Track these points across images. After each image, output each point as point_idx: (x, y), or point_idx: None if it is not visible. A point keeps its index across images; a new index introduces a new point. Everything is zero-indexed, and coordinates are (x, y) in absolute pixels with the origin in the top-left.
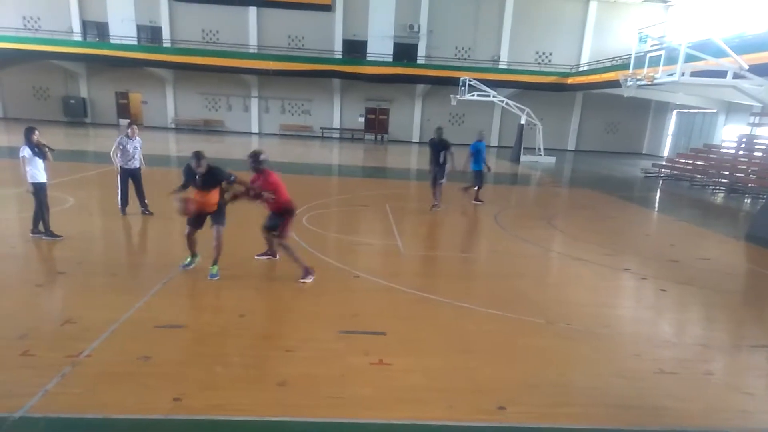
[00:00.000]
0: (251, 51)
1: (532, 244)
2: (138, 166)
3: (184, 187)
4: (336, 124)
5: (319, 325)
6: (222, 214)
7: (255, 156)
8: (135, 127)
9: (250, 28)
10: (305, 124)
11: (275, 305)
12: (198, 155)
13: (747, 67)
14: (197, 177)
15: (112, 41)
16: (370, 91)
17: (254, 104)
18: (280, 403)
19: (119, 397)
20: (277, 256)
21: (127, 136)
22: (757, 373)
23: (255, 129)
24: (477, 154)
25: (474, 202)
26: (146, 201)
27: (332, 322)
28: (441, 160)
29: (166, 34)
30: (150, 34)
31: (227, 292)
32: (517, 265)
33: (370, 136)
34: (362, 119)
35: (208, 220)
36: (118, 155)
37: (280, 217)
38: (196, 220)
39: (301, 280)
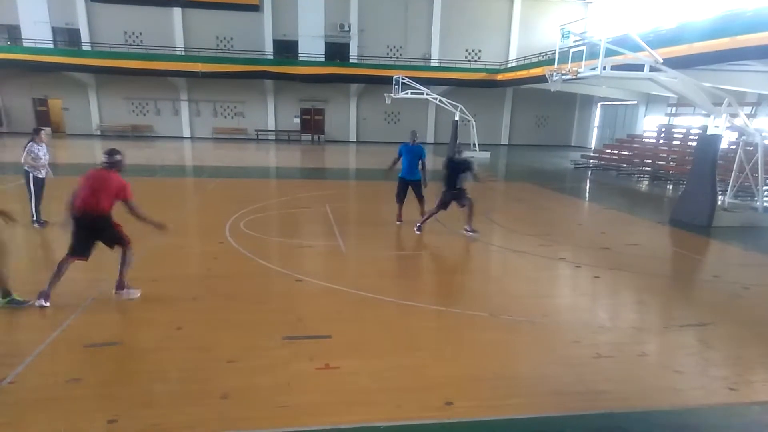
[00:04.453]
0: (178, 53)
1: (471, 239)
2: (44, 175)
3: None
4: (271, 125)
5: (261, 333)
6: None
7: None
8: (45, 131)
9: (175, 29)
10: (239, 127)
11: (215, 315)
12: None
13: (662, 61)
14: None
15: (25, 45)
16: (304, 92)
17: (184, 108)
18: (224, 417)
19: (48, 425)
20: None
21: (35, 141)
22: (686, 351)
23: (186, 133)
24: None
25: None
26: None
27: (275, 328)
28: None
29: (85, 36)
30: (67, 37)
31: (163, 304)
32: (459, 261)
33: (306, 137)
34: (298, 120)
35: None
36: (29, 162)
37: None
38: None
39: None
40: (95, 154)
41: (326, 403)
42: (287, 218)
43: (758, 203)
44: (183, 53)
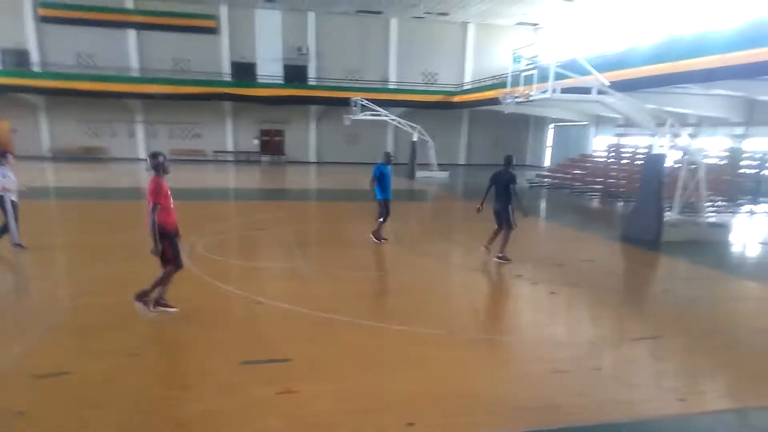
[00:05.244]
0: (133, 75)
1: (431, 258)
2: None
3: None
4: (230, 147)
5: (219, 358)
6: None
7: (152, 156)
8: (10, 154)
9: (130, 51)
10: (197, 148)
11: (171, 341)
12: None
13: (608, 84)
14: None
15: None
16: (263, 114)
17: (140, 129)
18: None
19: None
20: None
21: (3, 165)
22: (639, 364)
23: (142, 155)
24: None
25: (374, 239)
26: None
27: (234, 352)
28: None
29: (35, 57)
30: (16, 58)
31: (117, 331)
32: (418, 279)
33: (266, 158)
34: (257, 141)
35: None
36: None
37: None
38: None
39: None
40: (44, 176)
41: (286, 429)
42: (247, 240)
43: (702, 219)
44: (138, 75)
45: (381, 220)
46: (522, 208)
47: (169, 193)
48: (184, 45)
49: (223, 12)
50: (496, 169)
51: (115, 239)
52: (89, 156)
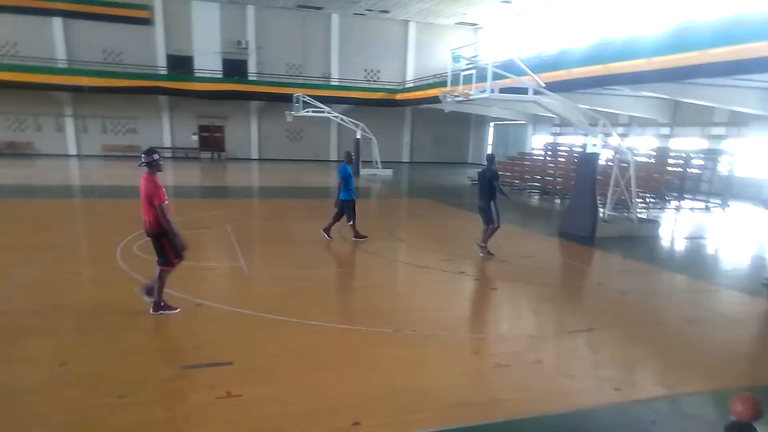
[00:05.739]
0: (60, 66)
1: (376, 256)
2: None
3: None
4: (167, 142)
5: (156, 363)
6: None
7: (147, 153)
8: None
9: (56, 40)
10: (132, 144)
11: (104, 347)
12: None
13: (544, 85)
14: None
15: None
16: (202, 108)
17: (69, 123)
18: None
19: None
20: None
21: None
22: (576, 355)
23: (72, 151)
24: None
25: (355, 239)
26: None
27: (172, 357)
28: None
29: None
30: None
31: (44, 338)
32: (364, 278)
33: (206, 155)
34: (196, 137)
35: None
36: None
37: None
38: None
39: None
40: None
41: None
42: (187, 239)
43: (633, 215)
44: (66, 66)
45: (351, 223)
46: (505, 194)
47: (163, 191)
48: (116, 36)
49: (158, 2)
50: (480, 168)
51: (42, 240)
52: (12, 151)
